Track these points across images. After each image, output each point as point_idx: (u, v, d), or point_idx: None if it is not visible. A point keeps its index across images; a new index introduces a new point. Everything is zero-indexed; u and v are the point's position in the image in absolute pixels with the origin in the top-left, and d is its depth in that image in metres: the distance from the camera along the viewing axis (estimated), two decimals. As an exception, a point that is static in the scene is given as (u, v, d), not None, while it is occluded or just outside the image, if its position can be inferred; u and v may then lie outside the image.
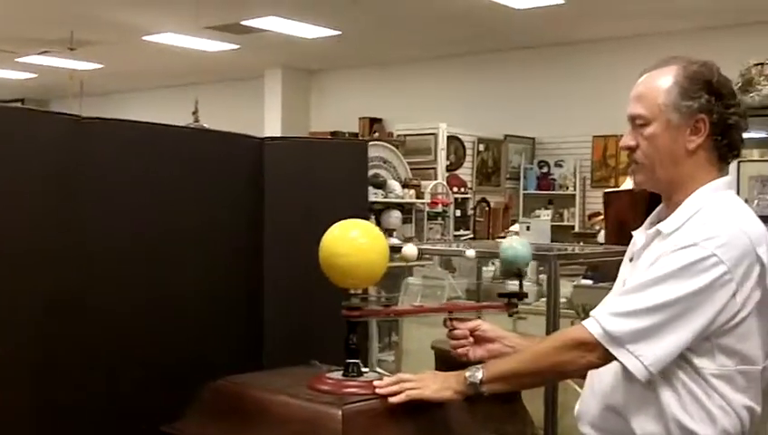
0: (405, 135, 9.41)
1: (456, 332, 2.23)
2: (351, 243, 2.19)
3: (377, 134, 10.31)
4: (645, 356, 1.91)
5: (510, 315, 2.24)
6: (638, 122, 2.02)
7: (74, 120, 2.40)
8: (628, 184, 9.61)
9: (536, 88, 10.49)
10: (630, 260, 2.14)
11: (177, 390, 2.43)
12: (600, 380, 2.08)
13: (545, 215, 9.25)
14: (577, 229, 9.86)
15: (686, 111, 2.00)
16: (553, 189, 10.42)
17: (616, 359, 1.94)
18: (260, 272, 2.79)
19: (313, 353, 2.65)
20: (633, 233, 2.16)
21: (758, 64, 4.29)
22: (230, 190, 2.72)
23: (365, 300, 2.26)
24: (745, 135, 4.89)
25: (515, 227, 8.00)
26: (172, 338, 2.59)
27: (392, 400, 2.04)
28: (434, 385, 2.05)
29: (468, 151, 10.03)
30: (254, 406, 2.12)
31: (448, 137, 9.51)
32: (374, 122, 11.43)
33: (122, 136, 2.47)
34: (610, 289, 2.20)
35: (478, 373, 2.02)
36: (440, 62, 11.24)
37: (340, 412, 1.98)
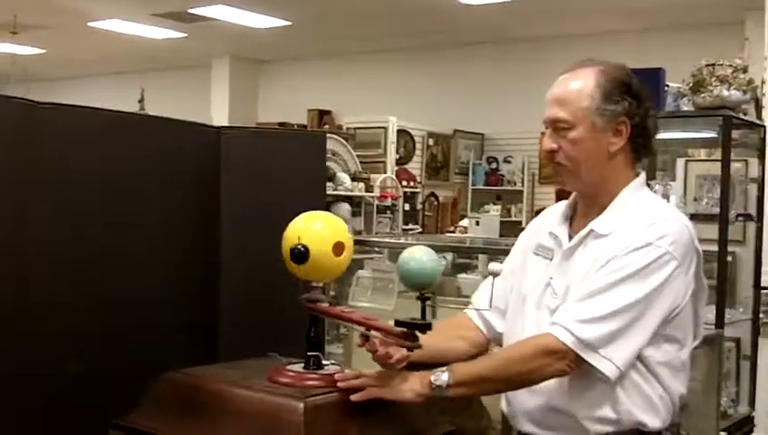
0: (355, 128, 9.37)
1: (378, 355, 2.07)
2: (315, 235, 2.16)
3: (326, 126, 10.26)
4: (617, 357, 1.94)
5: (410, 350, 2.04)
6: (560, 126, 2.03)
7: (29, 106, 2.33)
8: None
9: (486, 84, 10.52)
10: (550, 259, 2.14)
11: (129, 382, 2.37)
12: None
13: (494, 210, 9.29)
14: (524, 225, 9.92)
15: (609, 115, 2.02)
16: (502, 185, 10.47)
17: (588, 364, 1.95)
18: (216, 263, 2.73)
19: (270, 346, 2.61)
20: (551, 230, 2.16)
21: (709, 65, 4.32)
22: (186, 179, 2.66)
23: (325, 293, 2.23)
24: (694, 135, 4.95)
25: (465, 222, 8.05)
26: (124, 330, 2.53)
27: (353, 398, 2.01)
28: (395, 385, 2.02)
29: (418, 145, 10.03)
30: (211, 399, 2.07)
31: (398, 131, 9.50)
32: (323, 114, 11.36)
33: (78, 123, 2.40)
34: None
35: (443, 377, 1.99)
36: (391, 55, 11.22)
37: (301, 405, 1.95)
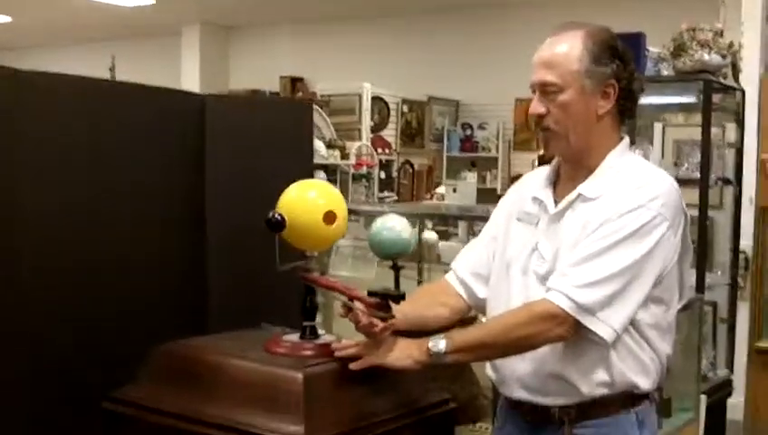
0: (329, 95, 9.29)
1: (361, 325, 2.04)
2: (306, 203, 2.15)
3: (300, 93, 10.18)
4: (614, 320, 1.96)
5: (383, 320, 2.03)
6: (549, 89, 2.02)
7: (9, 73, 2.28)
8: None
9: (460, 50, 10.46)
10: (535, 225, 2.13)
11: (117, 351, 2.38)
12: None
13: (471, 177, 9.26)
14: (500, 192, 9.94)
15: (598, 77, 2.03)
16: (477, 152, 10.44)
17: (587, 328, 1.96)
18: (202, 232, 2.70)
19: (258, 315, 2.61)
20: (535, 196, 2.15)
21: (690, 30, 4.32)
22: (172, 148, 2.63)
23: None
24: (673, 99, 4.96)
25: (441, 190, 8.02)
26: (110, 301, 2.51)
27: (352, 366, 2.01)
28: (394, 353, 2.03)
29: (392, 113, 9.98)
30: (208, 370, 2.07)
31: (372, 98, 9.43)
32: (296, 81, 11.27)
33: (62, 91, 2.36)
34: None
35: (441, 344, 2.00)
36: (364, 21, 11.12)
37: (301, 375, 1.95)
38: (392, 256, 2.06)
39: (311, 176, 2.86)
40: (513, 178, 10.52)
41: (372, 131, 9.43)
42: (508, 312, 2.05)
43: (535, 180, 2.21)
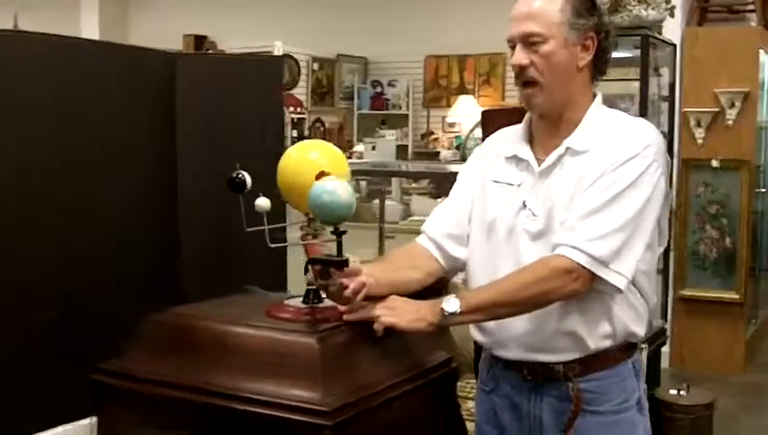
0: (239, 54, 9.06)
1: (331, 290, 2.01)
2: (303, 163, 2.08)
3: (210, 51, 9.91)
4: (624, 269, 1.98)
5: (326, 288, 2.01)
6: (532, 40, 2.02)
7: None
8: (461, 103, 9.77)
9: (368, 6, 10.34)
10: (517, 184, 2.11)
11: (89, 314, 2.27)
12: None
13: (390, 134, 9.23)
14: (412, 149, 9.94)
15: (580, 29, 2.03)
16: (387, 109, 10.41)
17: (602, 280, 1.96)
18: (173, 190, 2.59)
19: (229, 273, 2.54)
20: (514, 154, 2.14)
21: (629, -16, 4.36)
22: (143, 107, 2.51)
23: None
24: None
25: (360, 147, 7.98)
26: (83, 264, 2.39)
27: (376, 327, 1.96)
28: (407, 315, 1.98)
29: (303, 71, 9.83)
30: (211, 338, 1.97)
31: (283, 56, 9.26)
32: (199, 40, 10.97)
33: (33, 49, 2.21)
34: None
35: (455, 304, 1.97)
36: (269, -23, 10.90)
37: (315, 340, 1.88)
38: (334, 221, 1.99)
39: (281, 133, 2.78)
40: (424, 135, 10.58)
41: (284, 90, 9.27)
42: (519, 269, 2.02)
43: (504, 140, 2.20)
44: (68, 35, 2.34)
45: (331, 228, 2.03)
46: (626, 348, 2.11)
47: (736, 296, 5.83)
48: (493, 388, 2.20)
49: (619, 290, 1.99)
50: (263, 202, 2.01)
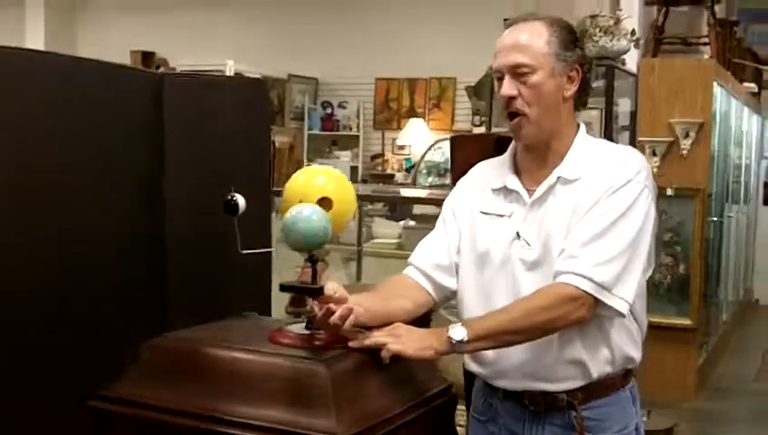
0: (191, 72, 8.98)
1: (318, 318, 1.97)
2: (301, 188, 2.06)
3: (161, 69, 9.78)
4: (626, 293, 2.00)
5: (298, 316, 2.03)
6: (521, 71, 2.04)
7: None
8: (411, 126, 9.82)
9: (320, 27, 10.36)
10: (508, 215, 2.12)
11: (75, 333, 2.21)
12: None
13: (344, 155, 9.22)
14: (362, 171, 9.95)
15: (566, 61, 2.07)
16: (338, 130, 10.42)
17: (606, 306, 1.98)
18: (161, 215, 2.54)
19: (218, 296, 2.49)
20: (504, 186, 2.14)
21: (592, 17, 4.45)
22: (128, 127, 2.45)
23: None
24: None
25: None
26: (64, 283, 2.32)
27: (383, 354, 1.94)
28: (414, 343, 1.97)
29: (254, 90, 9.78)
30: (217, 364, 1.93)
31: (234, 75, 9.21)
32: (147, 56, 10.82)
33: (14, 65, 2.15)
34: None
35: (461, 333, 1.96)
36: (221, -5, 10.84)
37: (325, 368, 1.85)
38: (309, 248, 1.98)
39: (266, 154, 2.75)
40: (374, 157, 10.61)
41: (235, 109, 9.20)
42: (525, 297, 2.03)
43: (490, 172, 2.22)
44: (52, 51, 2.27)
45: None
46: (624, 375, 2.13)
47: (689, 322, 5.93)
48: (490, 417, 2.19)
49: (621, 314, 2.01)
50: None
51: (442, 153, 8.64)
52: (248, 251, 2.06)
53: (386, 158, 10.12)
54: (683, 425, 5.24)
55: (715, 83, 6.16)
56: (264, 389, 1.86)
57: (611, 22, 4.46)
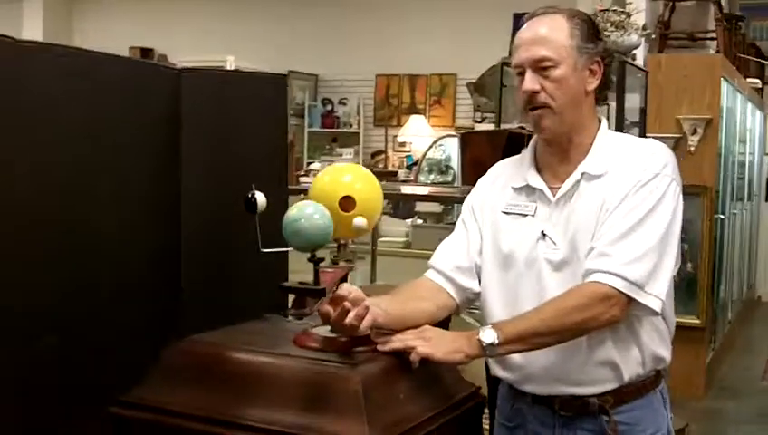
0: (192, 68, 8.92)
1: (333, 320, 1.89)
2: (323, 187, 2.02)
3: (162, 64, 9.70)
4: (658, 290, 1.94)
5: (299, 318, 2.03)
6: (544, 65, 2.00)
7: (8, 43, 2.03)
8: (411, 123, 9.75)
9: (320, 24, 10.30)
10: (532, 214, 2.08)
11: (87, 335, 2.17)
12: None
13: (347, 153, 9.16)
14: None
15: (588, 54, 2.03)
16: (338, 127, 10.36)
17: (639, 304, 1.93)
18: (177, 212, 2.48)
19: (232, 296, 2.44)
20: (527, 184, 2.10)
21: (603, 11, 4.40)
22: (145, 123, 2.39)
23: (340, 251, 2.07)
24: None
25: (316, 165, 7.90)
26: (83, 282, 2.25)
27: (412, 357, 1.89)
28: (443, 347, 1.93)
29: (254, 86, 9.71)
30: (243, 369, 1.88)
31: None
32: (146, 53, 10.77)
33: (58, 62, 2.11)
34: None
35: (492, 336, 1.91)
36: (221, -8, 10.77)
37: (355, 372, 1.80)
38: (311, 247, 1.93)
39: (284, 151, 2.70)
40: (374, 154, 10.54)
41: (235, 106, 9.14)
42: (556, 298, 1.97)
43: (510, 170, 2.17)
44: (76, 47, 2.22)
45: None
46: (655, 377, 2.09)
47: (698, 321, 5.89)
48: (518, 424, 2.14)
49: (655, 313, 1.96)
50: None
51: (443, 151, 8.62)
52: (268, 250, 2.02)
53: (387, 155, 10.06)
54: (693, 425, 5.19)
55: (721, 79, 6.11)
56: (292, 394, 1.81)
57: (622, 16, 4.40)
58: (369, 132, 10.42)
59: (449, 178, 8.32)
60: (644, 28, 4.44)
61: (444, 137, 8.45)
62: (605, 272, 1.92)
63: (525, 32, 2.04)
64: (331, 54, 10.23)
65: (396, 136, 10.03)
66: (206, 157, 2.50)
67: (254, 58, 9.76)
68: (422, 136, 9.58)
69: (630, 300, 1.92)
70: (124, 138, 2.33)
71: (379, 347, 1.91)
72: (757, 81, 8.23)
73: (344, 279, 2.03)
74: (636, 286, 1.91)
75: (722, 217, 6.60)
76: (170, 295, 2.47)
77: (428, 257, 2.22)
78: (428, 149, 8.30)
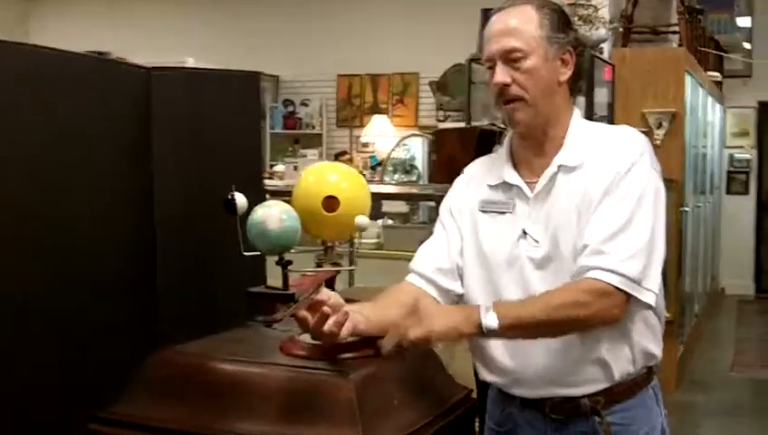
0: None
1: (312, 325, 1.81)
2: (305, 188, 1.95)
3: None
4: (653, 284, 1.90)
5: (268, 325, 1.98)
6: (514, 56, 1.95)
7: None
8: (374, 123, 9.71)
9: (280, 24, 10.21)
10: (510, 212, 2.02)
11: (58, 338, 2.09)
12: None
13: (312, 154, 9.06)
14: (326, 169, 9.80)
15: (559, 44, 1.98)
16: (300, 129, 10.27)
17: (636, 300, 1.88)
18: (150, 214, 2.40)
19: (208, 299, 2.38)
20: (503, 181, 2.04)
21: (571, 5, 4.38)
22: (115, 123, 2.31)
23: (327, 254, 2.01)
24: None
25: (280, 167, 7.79)
26: (54, 283, 2.17)
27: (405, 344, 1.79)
28: (439, 321, 1.82)
29: (214, 89, 9.60)
30: (229, 379, 1.80)
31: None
32: (102, 56, 10.58)
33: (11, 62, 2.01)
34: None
35: (492, 319, 1.82)
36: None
37: (348, 380, 1.74)
38: (277, 250, 1.87)
39: (259, 150, 2.63)
40: (338, 155, 10.45)
41: (195, 108, 9.02)
42: (554, 291, 1.90)
43: (486, 168, 2.12)
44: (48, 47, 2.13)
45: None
46: (646, 374, 2.04)
47: (668, 315, 5.84)
48: (509, 429, 2.08)
49: (650, 306, 1.91)
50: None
51: (407, 150, 8.57)
52: (250, 253, 1.95)
53: (349, 156, 9.99)
54: (666, 419, 5.19)
55: (685, 73, 6.13)
56: (282, 404, 1.74)
57: (590, 9, 4.38)
58: (332, 133, 10.35)
59: (414, 178, 8.27)
60: (611, 22, 4.42)
61: (408, 136, 8.40)
62: (602, 269, 1.86)
63: (494, 24, 2.00)
64: (292, 55, 10.14)
65: (359, 136, 9.97)
66: (177, 154, 2.43)
67: (214, 60, 9.61)
68: (385, 136, 9.53)
69: (628, 297, 1.87)
70: (93, 137, 2.25)
71: (384, 351, 1.82)
72: (717, 74, 8.29)
73: (331, 282, 1.97)
74: (633, 283, 1.87)
75: (686, 209, 6.62)
76: (146, 290, 2.40)
77: (402, 258, 2.15)
78: (393, 149, 8.24)
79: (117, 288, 2.31)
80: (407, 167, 8.42)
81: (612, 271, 1.86)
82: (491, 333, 1.85)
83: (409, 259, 2.10)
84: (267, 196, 2.54)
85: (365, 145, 9.87)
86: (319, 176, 1.97)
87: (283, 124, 10.28)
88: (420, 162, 8.33)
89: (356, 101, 10.20)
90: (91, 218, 2.26)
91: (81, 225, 2.22)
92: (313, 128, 10.25)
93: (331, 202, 2.00)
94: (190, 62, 8.86)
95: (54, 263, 2.15)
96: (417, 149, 8.39)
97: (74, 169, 2.21)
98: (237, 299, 2.32)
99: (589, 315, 1.87)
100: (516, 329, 1.87)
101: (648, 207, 1.92)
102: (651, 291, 1.89)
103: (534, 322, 1.87)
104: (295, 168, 7.30)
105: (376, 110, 10.02)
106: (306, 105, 10.30)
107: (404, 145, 8.50)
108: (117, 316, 2.27)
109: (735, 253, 10.35)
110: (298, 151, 9.69)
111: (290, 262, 1.93)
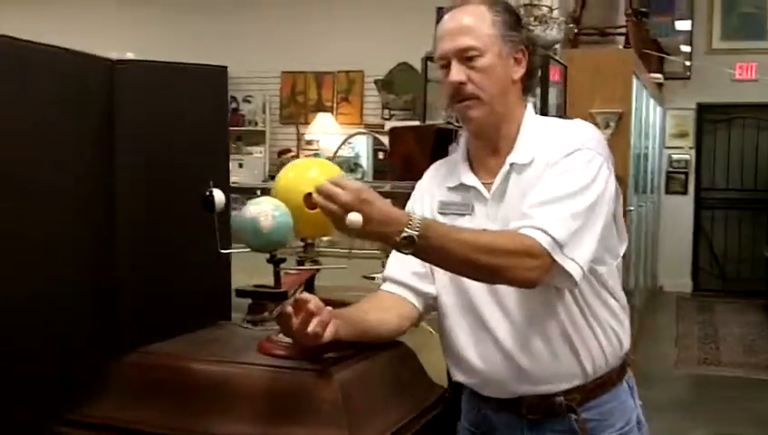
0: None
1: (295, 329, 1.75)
2: (292, 184, 1.91)
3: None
4: (578, 257, 1.83)
5: (255, 324, 1.95)
6: (469, 54, 1.95)
7: None
8: (319, 120, 9.65)
9: (223, 20, 10.08)
10: (470, 213, 2.02)
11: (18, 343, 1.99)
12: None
13: (258, 151, 8.95)
14: (269, 166, 9.70)
15: (513, 42, 1.99)
16: (243, 125, 10.15)
17: (559, 267, 1.82)
18: (111, 210, 2.31)
19: (174, 300, 2.31)
20: (461, 183, 2.03)
21: (526, 5, 4.40)
22: (76, 118, 2.23)
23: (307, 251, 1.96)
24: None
25: (226, 165, 7.70)
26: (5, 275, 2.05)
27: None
28: (378, 227, 1.71)
29: (156, 84, 9.44)
30: (206, 381, 1.74)
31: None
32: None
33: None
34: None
35: (417, 229, 1.71)
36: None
37: (333, 378, 1.69)
38: (270, 247, 1.84)
39: (226, 145, 2.57)
40: (281, 153, 10.36)
41: (136, 104, 8.86)
42: (493, 232, 1.88)
43: (444, 171, 2.12)
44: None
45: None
46: (620, 368, 2.06)
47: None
48: (485, 431, 2.07)
49: (573, 282, 1.84)
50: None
51: (352, 148, 8.53)
52: (227, 251, 1.90)
53: (293, 154, 9.90)
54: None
55: (632, 74, 6.22)
56: (264, 406, 1.69)
57: (544, 10, 4.40)
58: (275, 130, 10.25)
59: (359, 176, 8.25)
60: (566, 22, 4.45)
61: (355, 134, 8.36)
62: (531, 227, 1.82)
63: (448, 22, 1.99)
64: (235, 50, 9.96)
65: (303, 134, 9.89)
66: (142, 149, 2.35)
67: (154, 55, 9.38)
68: (330, 134, 9.48)
69: (552, 262, 1.81)
70: (51, 132, 2.15)
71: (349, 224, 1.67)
72: (659, 76, 8.42)
73: (310, 281, 1.93)
74: (556, 245, 1.80)
75: (630, 209, 6.71)
76: (106, 288, 2.30)
77: (372, 258, 2.12)
78: (340, 147, 8.20)
79: (76, 286, 2.22)
80: (351, 165, 8.38)
81: (540, 229, 1.81)
82: (411, 245, 1.72)
83: (368, 257, 2.06)
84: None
85: (309, 143, 9.79)
86: (299, 172, 1.92)
87: (226, 121, 10.15)
88: (365, 161, 8.30)
89: (300, 99, 10.12)
90: (47, 217, 2.16)
91: (38, 222, 2.12)
92: (257, 125, 10.14)
93: (311, 199, 1.95)
94: (130, 57, 8.71)
95: (8, 262, 2.05)
96: (362, 148, 8.36)
97: (31, 165, 2.11)
98: (200, 297, 2.27)
99: (508, 267, 1.79)
100: (432, 252, 1.76)
101: (588, 188, 1.86)
102: (575, 261, 1.82)
103: (453, 253, 1.77)
104: (240, 165, 7.22)
105: (321, 107, 9.95)
106: (249, 102, 10.19)
107: (349, 143, 8.47)
108: (76, 316, 2.17)
109: (674, 251, 10.55)
110: (243, 149, 9.57)
111: (283, 259, 1.88)
